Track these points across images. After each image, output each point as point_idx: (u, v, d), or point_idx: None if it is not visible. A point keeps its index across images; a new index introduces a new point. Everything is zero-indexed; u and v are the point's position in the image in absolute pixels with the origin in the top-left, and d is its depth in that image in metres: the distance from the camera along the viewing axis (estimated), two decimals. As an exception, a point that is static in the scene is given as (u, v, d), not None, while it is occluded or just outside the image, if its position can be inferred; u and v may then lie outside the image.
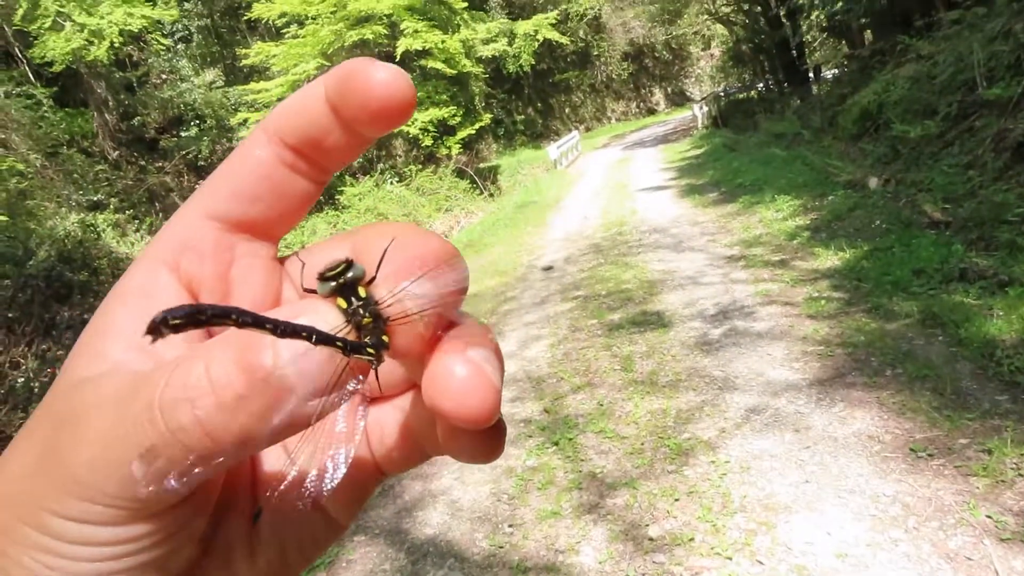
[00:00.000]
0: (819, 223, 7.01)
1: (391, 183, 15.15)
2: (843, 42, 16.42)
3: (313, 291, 0.29)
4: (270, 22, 16.00)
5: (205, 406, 0.24)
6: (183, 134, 15.10)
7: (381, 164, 15.95)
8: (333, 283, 0.28)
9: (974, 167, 6.30)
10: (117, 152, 14.56)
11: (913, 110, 8.01)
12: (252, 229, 0.31)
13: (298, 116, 0.29)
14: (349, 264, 0.28)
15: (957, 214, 5.67)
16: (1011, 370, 3.43)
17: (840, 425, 3.35)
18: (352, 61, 0.28)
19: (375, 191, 14.44)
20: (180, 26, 16.42)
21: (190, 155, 15.34)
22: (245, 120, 14.82)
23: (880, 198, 7.03)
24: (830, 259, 5.84)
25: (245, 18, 16.95)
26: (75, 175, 12.51)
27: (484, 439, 0.29)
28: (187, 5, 16.91)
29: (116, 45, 12.07)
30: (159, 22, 14.00)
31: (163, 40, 14.57)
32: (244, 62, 15.32)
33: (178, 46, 16.01)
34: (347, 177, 14.62)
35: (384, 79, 0.27)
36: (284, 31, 15.69)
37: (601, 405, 4.18)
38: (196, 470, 0.24)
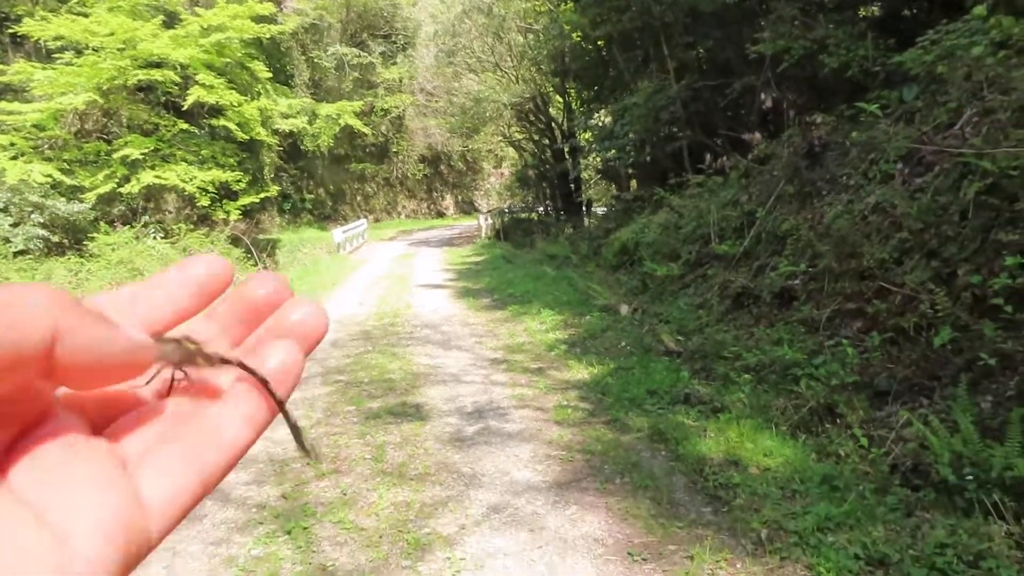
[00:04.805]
0: (576, 339, 7.59)
1: (155, 238, 13.86)
2: (613, 185, 18.55)
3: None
4: (41, 42, 14.37)
5: None
6: None
7: (147, 217, 14.58)
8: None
9: (704, 308, 7.30)
10: None
11: (662, 252, 9.18)
12: None
13: None
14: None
15: (687, 346, 6.46)
16: (715, 485, 3.88)
17: (571, 527, 3.52)
18: None
19: (133, 244, 13.04)
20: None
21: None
22: (-15, 140, 12.85)
23: (628, 324, 7.83)
24: (581, 372, 6.30)
25: (11, 31, 15.06)
26: None
27: None
28: (-62, 0, 14.69)
29: None
30: None
31: None
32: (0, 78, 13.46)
33: (-87, 40, 13.73)
34: (102, 224, 13.09)
35: None
36: (56, 56, 14.14)
37: (345, 494, 3.99)
38: None
